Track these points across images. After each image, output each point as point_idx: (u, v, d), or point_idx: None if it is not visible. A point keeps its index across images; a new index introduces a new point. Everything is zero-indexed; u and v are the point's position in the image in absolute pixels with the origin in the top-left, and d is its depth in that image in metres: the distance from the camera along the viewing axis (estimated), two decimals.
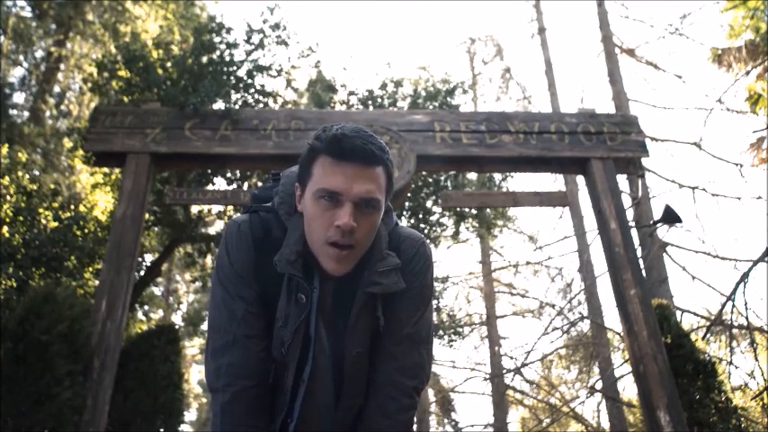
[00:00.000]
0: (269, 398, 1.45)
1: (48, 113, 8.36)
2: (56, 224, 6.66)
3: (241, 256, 1.45)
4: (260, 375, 1.42)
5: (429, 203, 9.45)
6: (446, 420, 22.25)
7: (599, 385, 12.08)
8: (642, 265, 12.45)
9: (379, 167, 1.37)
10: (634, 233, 9.24)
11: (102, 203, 8.72)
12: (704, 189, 13.23)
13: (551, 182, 16.53)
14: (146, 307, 9.22)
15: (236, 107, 7.04)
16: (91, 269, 7.37)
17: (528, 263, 18.62)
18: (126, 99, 7.37)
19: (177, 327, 6.47)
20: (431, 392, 22.31)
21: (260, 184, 8.33)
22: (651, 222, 8.12)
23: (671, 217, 6.46)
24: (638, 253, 12.16)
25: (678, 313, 12.04)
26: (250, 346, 1.42)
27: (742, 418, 6.62)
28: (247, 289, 1.45)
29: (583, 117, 7.06)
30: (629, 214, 11.81)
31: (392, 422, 1.46)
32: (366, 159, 1.34)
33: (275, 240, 1.45)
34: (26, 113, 9.14)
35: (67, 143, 7.86)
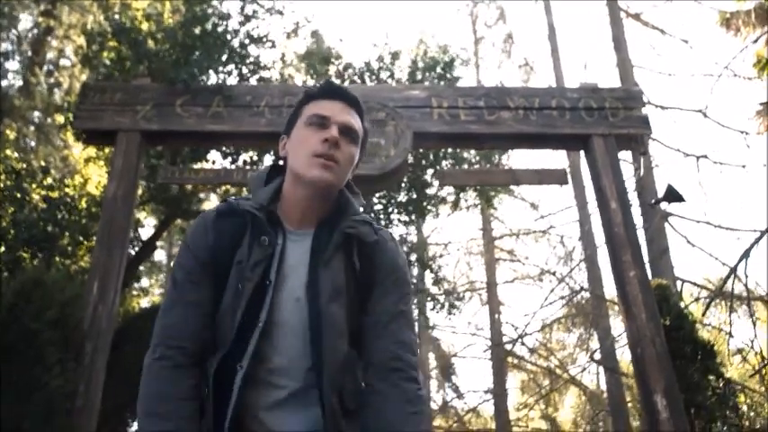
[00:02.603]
0: (198, 364, 1.48)
1: (38, 86, 8.17)
2: (46, 205, 6.54)
3: (195, 230, 1.57)
4: (191, 338, 1.48)
5: (428, 176, 9.32)
6: (447, 384, 22.54)
7: (597, 356, 12.11)
8: (644, 237, 12.41)
9: (358, 114, 1.61)
10: (636, 208, 9.14)
11: (96, 177, 8.60)
12: (709, 157, 13.07)
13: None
14: (143, 281, 9.18)
15: (230, 81, 6.84)
16: (85, 246, 7.28)
17: (529, 231, 18.55)
18: (117, 72, 7.18)
19: None
20: (431, 357, 22.50)
21: (253, 159, 8.20)
22: (653, 201, 7.97)
23: (673, 195, 6.32)
24: (640, 224, 12.09)
25: (679, 284, 12.03)
26: (184, 311, 1.49)
27: (741, 396, 6.61)
28: (190, 260, 1.53)
29: (584, 92, 6.86)
30: (631, 184, 11.67)
31: (418, 412, 1.45)
32: (349, 100, 1.60)
33: (243, 210, 1.54)
34: (17, 83, 8.95)
35: (59, 118, 7.71)
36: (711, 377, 6.01)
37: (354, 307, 1.52)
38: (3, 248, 5.93)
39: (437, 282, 11.99)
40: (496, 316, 18.09)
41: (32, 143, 7.94)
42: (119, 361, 5.82)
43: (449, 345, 22.14)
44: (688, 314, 6.38)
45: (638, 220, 7.63)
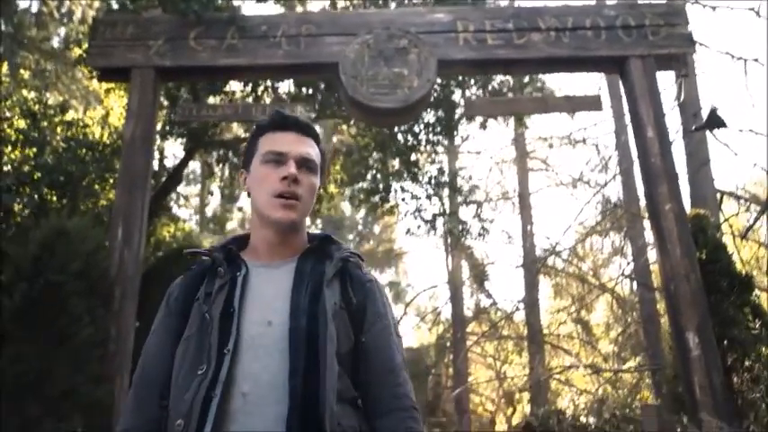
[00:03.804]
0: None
1: (51, 16, 7.91)
2: (67, 146, 6.46)
3: (166, 294, 1.64)
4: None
5: (456, 96, 8.96)
6: (480, 291, 22.84)
7: (630, 269, 11.98)
8: (684, 149, 11.92)
9: (314, 142, 1.62)
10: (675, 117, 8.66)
11: (118, 108, 8.48)
12: (759, 61, 12.27)
13: None
14: (174, 207, 9.22)
15: (243, 9, 6.48)
16: (111, 183, 7.26)
17: (564, 138, 18.01)
18: (129, 1, 6.87)
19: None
20: (465, 265, 22.70)
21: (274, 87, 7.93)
22: (693, 128, 7.54)
23: (716, 122, 5.94)
24: (680, 136, 11.58)
25: (718, 196, 11.66)
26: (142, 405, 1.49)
27: None
28: (163, 309, 1.60)
29: (622, 8, 6.35)
30: (671, 93, 11.06)
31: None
32: (303, 129, 1.61)
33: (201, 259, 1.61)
34: (31, 12, 8.70)
35: (75, 50, 7.50)
36: (747, 310, 5.85)
37: (344, 331, 1.49)
38: (26, 195, 5.92)
39: (466, 197, 11.83)
40: (528, 228, 17.97)
41: (50, 77, 7.79)
42: (149, 303, 5.88)
43: (482, 253, 22.19)
44: (725, 246, 6.14)
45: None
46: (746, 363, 5.62)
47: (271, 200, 1.52)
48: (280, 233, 1.55)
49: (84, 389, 4.77)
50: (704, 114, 6.08)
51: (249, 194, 1.63)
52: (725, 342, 5.75)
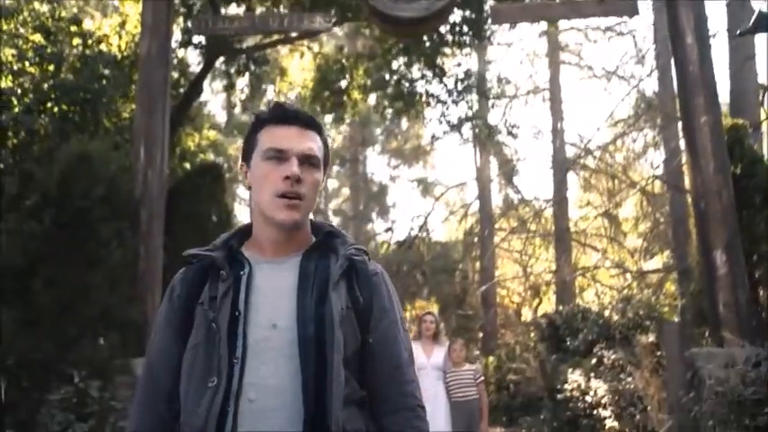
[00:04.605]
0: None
1: None
2: (83, 62, 6.32)
3: (167, 290, 1.55)
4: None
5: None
6: (509, 187, 22.74)
7: (661, 170, 11.73)
8: (727, 42, 11.28)
9: (317, 134, 1.55)
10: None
11: (134, 14, 8.23)
12: None
13: None
14: (197, 118, 9.12)
15: None
16: (132, 95, 7.16)
17: (598, 30, 17.15)
18: None
19: (221, 164, 6.40)
20: (493, 161, 22.48)
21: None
22: (738, 33, 7.04)
23: (763, 24, 5.53)
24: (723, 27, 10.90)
25: (761, 92, 11.15)
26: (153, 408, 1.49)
27: None
28: (165, 305, 1.53)
29: None
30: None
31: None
32: (305, 122, 1.52)
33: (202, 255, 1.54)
34: None
35: None
36: None
37: (351, 332, 1.46)
38: (47, 112, 5.89)
39: (496, 96, 11.47)
40: (559, 124, 17.55)
41: None
42: (176, 219, 5.97)
43: (511, 149, 21.87)
44: (762, 159, 5.91)
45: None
46: None
47: (273, 200, 1.46)
48: (283, 232, 1.50)
49: (118, 309, 4.96)
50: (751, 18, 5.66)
51: (250, 188, 1.56)
52: (754, 258, 5.67)
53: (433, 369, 6.15)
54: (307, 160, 1.49)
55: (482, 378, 6.29)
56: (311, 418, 1.34)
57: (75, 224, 4.81)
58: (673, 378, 4.93)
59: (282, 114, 1.52)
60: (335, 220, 32.05)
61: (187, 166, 8.31)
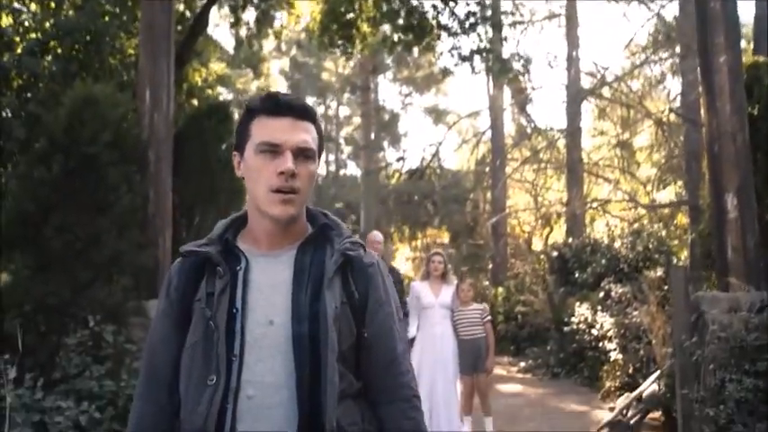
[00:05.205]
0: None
1: None
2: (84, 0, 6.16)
3: (165, 281, 1.57)
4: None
5: None
6: (522, 116, 22.41)
7: (677, 104, 11.48)
8: None
9: (311, 124, 1.51)
10: None
11: None
12: None
13: None
14: (203, 52, 8.94)
15: None
16: (136, 32, 7.00)
17: None
18: None
19: (228, 103, 6.34)
20: (507, 90, 22.07)
21: None
22: None
23: None
24: None
25: None
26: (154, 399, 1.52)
27: None
28: (163, 299, 1.54)
29: None
30: None
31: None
32: (299, 113, 1.48)
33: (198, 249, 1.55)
34: None
35: None
36: None
37: (347, 328, 1.47)
38: (49, 62, 5.79)
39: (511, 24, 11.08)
40: (574, 53, 17.09)
41: None
42: (183, 161, 5.96)
43: (525, 78, 21.42)
44: None
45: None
46: None
47: (268, 195, 1.45)
48: (279, 225, 1.49)
49: (129, 253, 5.03)
50: None
51: (244, 178, 1.54)
52: (766, 201, 5.61)
53: (440, 308, 6.26)
54: (301, 153, 1.47)
55: (489, 317, 6.41)
56: (306, 417, 1.37)
57: (83, 170, 4.81)
58: (677, 322, 4.98)
59: (275, 106, 1.48)
60: (347, 149, 31.90)
61: (195, 102, 8.23)
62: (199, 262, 1.51)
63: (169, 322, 1.51)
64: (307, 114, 1.51)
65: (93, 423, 3.86)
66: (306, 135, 1.48)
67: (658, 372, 5.99)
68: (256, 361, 1.40)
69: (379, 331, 1.51)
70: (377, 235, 6.61)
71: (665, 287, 7.63)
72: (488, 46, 9.10)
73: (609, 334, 8.74)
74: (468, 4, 9.14)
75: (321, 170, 31.84)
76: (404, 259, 25.52)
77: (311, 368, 1.39)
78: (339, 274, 1.49)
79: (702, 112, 5.69)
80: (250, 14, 8.91)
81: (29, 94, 5.99)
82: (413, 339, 6.41)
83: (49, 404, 3.85)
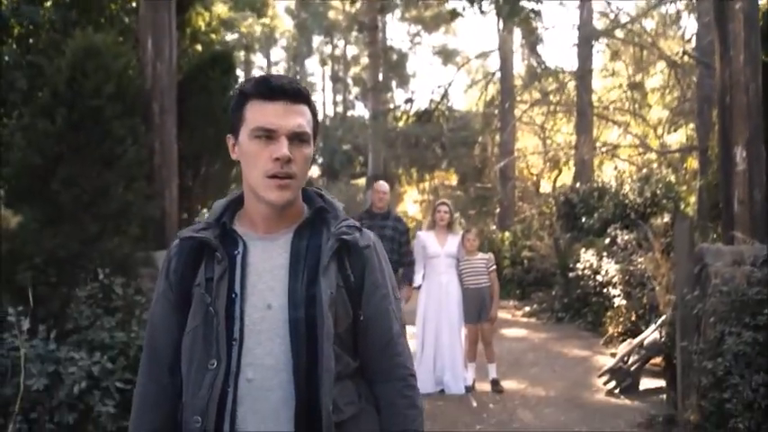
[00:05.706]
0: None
1: None
2: None
3: (163, 260, 1.59)
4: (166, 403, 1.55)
5: None
6: (532, 57, 21.99)
7: (692, 46, 11.20)
8: None
9: (306, 106, 1.50)
10: None
11: None
12: None
13: None
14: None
15: None
16: None
17: None
18: None
19: (231, 50, 6.24)
20: (517, 31, 21.57)
21: None
22: None
23: None
24: None
25: None
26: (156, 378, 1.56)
27: None
28: (162, 282, 1.56)
29: None
30: None
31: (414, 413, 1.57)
32: (293, 96, 1.47)
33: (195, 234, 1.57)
34: None
35: None
36: None
37: (343, 311, 1.50)
38: (50, 12, 5.68)
39: None
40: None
41: None
42: (187, 112, 5.93)
43: (536, 19, 20.89)
44: None
45: None
46: None
47: (264, 180, 1.45)
48: (275, 209, 1.50)
49: (136, 205, 5.07)
50: None
51: (239, 162, 1.54)
52: None
53: (446, 257, 6.34)
54: (296, 137, 1.46)
55: (494, 267, 6.47)
56: (303, 400, 1.41)
57: (88, 123, 4.80)
58: (680, 274, 5.01)
59: (268, 90, 1.46)
60: (355, 90, 31.49)
61: (198, 47, 8.09)
62: (197, 245, 1.53)
63: (168, 305, 1.55)
64: (300, 97, 1.49)
65: (105, 373, 3.97)
66: (300, 119, 1.47)
67: (660, 320, 6.07)
68: (256, 344, 1.44)
69: (375, 313, 1.54)
70: (383, 185, 6.61)
71: (671, 232, 7.63)
72: None
73: (613, 280, 8.81)
74: None
75: (329, 111, 31.29)
76: (411, 202, 25.59)
77: (308, 352, 1.43)
78: (335, 259, 1.51)
79: (716, 59, 5.56)
80: None
81: (30, 41, 5.92)
82: (419, 287, 6.52)
83: (63, 355, 3.96)
